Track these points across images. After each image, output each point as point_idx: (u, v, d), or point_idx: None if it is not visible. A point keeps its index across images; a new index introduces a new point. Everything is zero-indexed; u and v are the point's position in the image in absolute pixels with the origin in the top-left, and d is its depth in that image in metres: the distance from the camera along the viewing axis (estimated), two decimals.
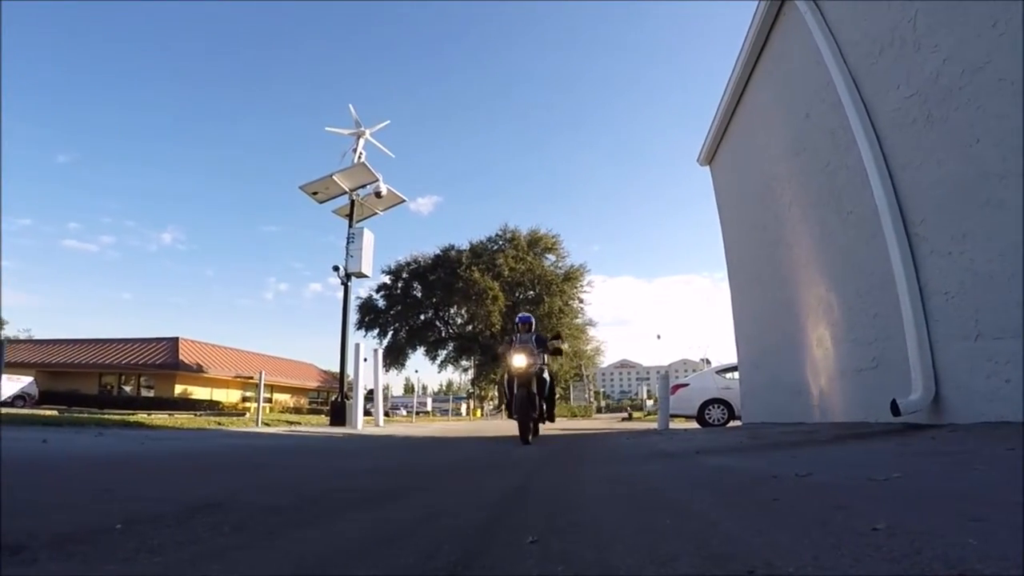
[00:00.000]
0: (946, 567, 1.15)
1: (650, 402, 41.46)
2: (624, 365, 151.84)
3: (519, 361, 6.56)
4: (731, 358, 11.95)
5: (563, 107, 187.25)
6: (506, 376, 7.03)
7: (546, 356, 7.48)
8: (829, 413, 6.40)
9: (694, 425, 12.87)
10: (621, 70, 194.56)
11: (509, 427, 10.58)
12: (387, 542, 1.69)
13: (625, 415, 37.90)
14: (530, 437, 6.52)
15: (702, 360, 45.93)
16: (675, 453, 5.00)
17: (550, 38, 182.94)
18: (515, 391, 6.61)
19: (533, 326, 7.72)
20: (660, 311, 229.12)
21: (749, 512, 1.99)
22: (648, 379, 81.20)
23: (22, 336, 48.69)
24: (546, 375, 7.12)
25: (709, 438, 6.75)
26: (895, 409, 4.37)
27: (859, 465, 3.06)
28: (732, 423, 12.08)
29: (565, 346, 39.19)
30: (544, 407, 7.21)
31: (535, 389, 6.73)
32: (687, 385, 13.70)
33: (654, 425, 13.76)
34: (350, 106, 19.16)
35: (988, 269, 3.79)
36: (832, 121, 5.73)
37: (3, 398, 8.56)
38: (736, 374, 11.47)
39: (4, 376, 8.50)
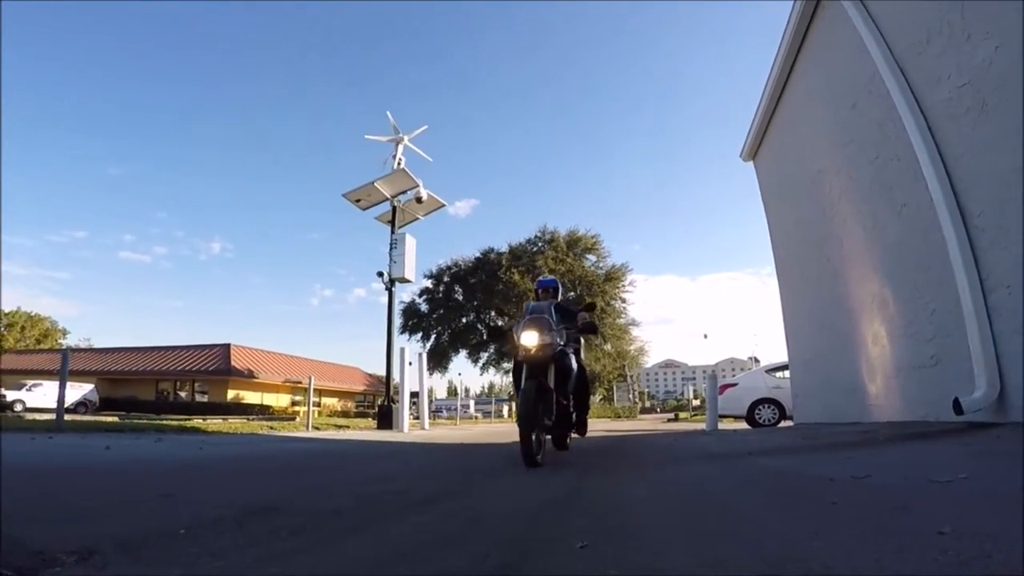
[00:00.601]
0: (1022, 570, 1.12)
1: (696, 402, 40.85)
2: (669, 365, 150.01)
3: (528, 338, 4.35)
4: (781, 356, 11.68)
5: (598, 105, 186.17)
6: (514, 362, 4.70)
7: (578, 339, 5.47)
8: (886, 412, 6.20)
9: (743, 426, 12.65)
10: (659, 67, 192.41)
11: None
12: (439, 545, 1.73)
13: (671, 416, 37.45)
14: (540, 456, 4.08)
15: (750, 359, 44.94)
16: (726, 455, 4.94)
17: (584, 36, 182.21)
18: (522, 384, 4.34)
19: (559, 293, 5.64)
20: (705, 309, 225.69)
21: (805, 515, 1.96)
22: (694, 379, 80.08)
23: (83, 345, 51.09)
24: (572, 361, 4.70)
25: (760, 439, 6.62)
26: (957, 407, 4.21)
27: (920, 466, 2.97)
28: (783, 423, 11.83)
29: (607, 346, 39.09)
30: (569, 409, 4.97)
31: (551, 381, 4.41)
32: (736, 385, 13.46)
33: (702, 426, 13.56)
34: (388, 113, 19.52)
35: None
36: (880, 112, 5.57)
37: (67, 405, 8.98)
38: (787, 373, 11.20)
39: (67, 383, 8.93)
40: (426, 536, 1.86)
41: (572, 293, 35.82)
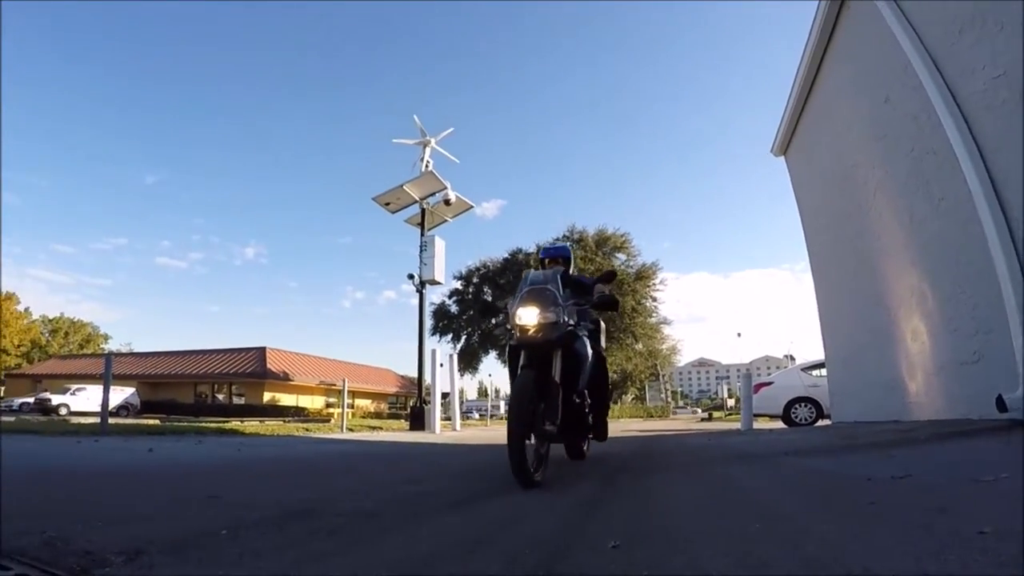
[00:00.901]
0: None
1: (731, 401, 40.29)
2: (702, 363, 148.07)
3: (527, 314, 3.27)
4: (818, 354, 11.47)
5: (624, 102, 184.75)
6: (509, 347, 3.57)
7: (596, 319, 4.42)
8: (927, 410, 6.06)
9: (779, 425, 12.45)
10: (685, 63, 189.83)
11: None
12: (472, 545, 1.75)
13: (704, 415, 37.00)
14: (539, 473, 3.06)
15: (786, 357, 44.18)
16: (762, 455, 4.88)
17: (607, 32, 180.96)
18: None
19: (570, 264, 4.58)
20: (738, 307, 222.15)
21: (844, 516, 1.95)
22: (728, 377, 78.92)
23: (124, 350, 52.65)
24: (585, 346, 3.59)
25: (797, 438, 6.52)
26: (1001, 405, 4.11)
27: (962, 465, 2.91)
28: (820, 422, 11.61)
29: (638, 345, 38.61)
30: (584, 410, 3.91)
31: (556, 372, 3.29)
32: (771, 383, 13.25)
33: (736, 425, 13.40)
34: (414, 117, 19.60)
35: None
36: (914, 105, 5.45)
37: (110, 408, 9.27)
38: (823, 371, 11.00)
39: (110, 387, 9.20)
40: (459, 536, 1.89)
41: None
